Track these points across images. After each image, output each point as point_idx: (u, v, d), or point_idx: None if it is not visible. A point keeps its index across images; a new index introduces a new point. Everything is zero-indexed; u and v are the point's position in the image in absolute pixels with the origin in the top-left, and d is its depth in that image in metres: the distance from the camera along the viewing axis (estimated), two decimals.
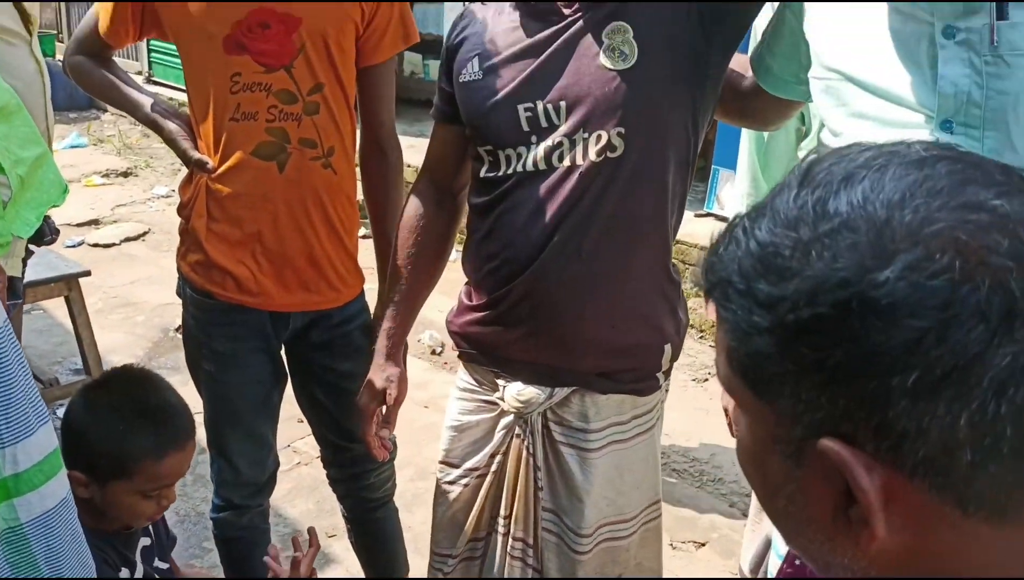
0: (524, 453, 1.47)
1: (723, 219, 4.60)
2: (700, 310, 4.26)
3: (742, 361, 0.56)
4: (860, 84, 1.13)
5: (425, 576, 1.69)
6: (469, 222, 1.50)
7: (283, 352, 1.95)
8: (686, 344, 4.43)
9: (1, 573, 1.09)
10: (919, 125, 1.07)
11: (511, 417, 1.48)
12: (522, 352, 1.43)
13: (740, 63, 1.47)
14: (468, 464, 1.54)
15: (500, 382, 1.48)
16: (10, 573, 1.09)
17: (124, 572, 1.56)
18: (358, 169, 1.88)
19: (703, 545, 2.75)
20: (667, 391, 1.55)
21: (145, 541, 1.65)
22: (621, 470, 1.48)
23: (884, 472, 0.51)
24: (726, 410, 0.67)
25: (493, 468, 1.52)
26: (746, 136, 2.45)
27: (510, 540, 1.51)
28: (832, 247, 0.51)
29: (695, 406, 3.66)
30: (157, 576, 1.70)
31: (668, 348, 1.47)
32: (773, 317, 0.53)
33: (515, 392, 1.45)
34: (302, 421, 3.20)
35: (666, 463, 3.20)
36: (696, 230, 4.49)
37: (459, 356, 1.58)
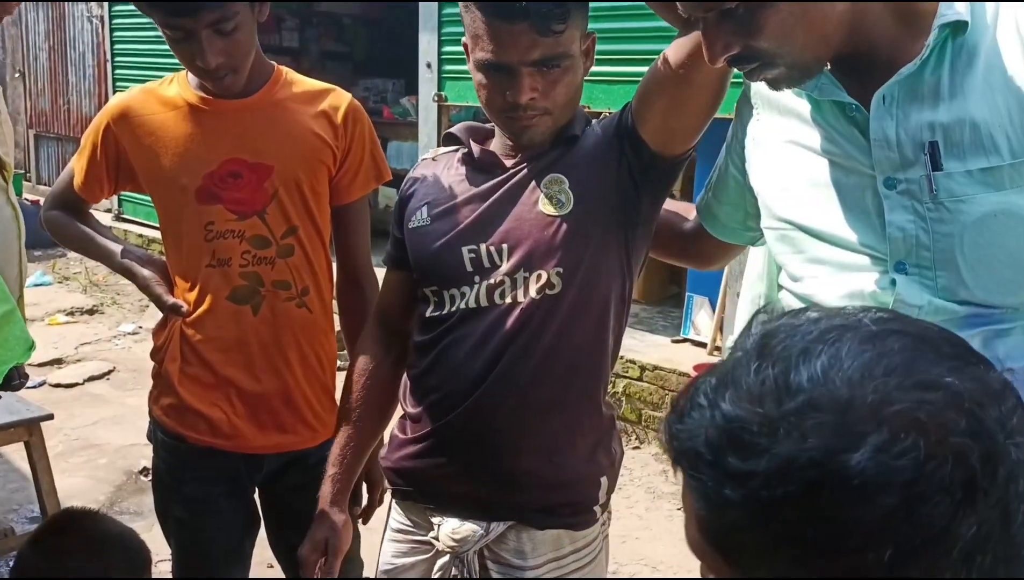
0: None
1: (700, 344, 4.65)
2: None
3: (715, 531, 0.59)
4: (812, 233, 1.17)
5: None
6: (410, 361, 1.51)
7: (256, 495, 1.87)
8: (670, 472, 4.36)
9: None
10: (873, 268, 1.10)
11: (447, 557, 1.44)
12: (459, 485, 1.42)
13: (682, 207, 1.56)
14: None
15: (435, 520, 1.45)
16: None
17: None
18: (335, 303, 1.85)
19: None
20: (606, 524, 1.52)
21: None
22: None
23: None
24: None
25: None
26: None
27: None
28: (799, 426, 0.54)
29: (680, 537, 3.53)
30: None
31: (604, 480, 1.47)
32: (745, 491, 0.55)
33: (450, 530, 1.42)
34: (272, 566, 3.08)
35: None
36: (674, 356, 4.51)
37: (392, 495, 1.55)
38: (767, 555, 0.55)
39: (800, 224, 1.18)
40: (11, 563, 2.78)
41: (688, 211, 1.54)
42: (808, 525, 0.53)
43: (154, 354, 1.81)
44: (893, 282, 1.08)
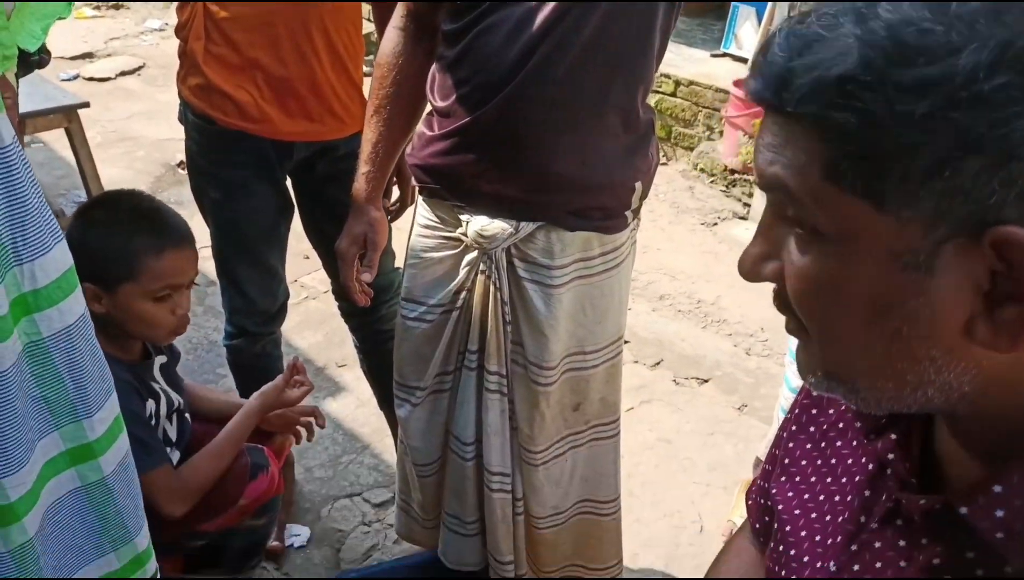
0: (491, 288, 1.45)
1: (740, 59, 4.47)
2: (711, 153, 4.18)
3: (861, 168, 0.50)
4: None
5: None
6: (439, 52, 1.41)
7: (289, 184, 1.92)
8: (696, 188, 4.40)
9: (28, 387, 1.10)
10: None
11: (475, 253, 1.44)
12: (488, 184, 1.38)
13: None
14: (432, 300, 1.52)
15: (463, 217, 1.43)
16: (36, 386, 1.11)
17: (150, 404, 1.60)
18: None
19: (706, 382, 2.80)
20: (636, 230, 1.52)
21: (161, 359, 1.68)
22: (585, 305, 1.47)
23: None
24: (757, 258, 0.59)
25: (459, 304, 1.50)
26: None
27: (485, 374, 1.50)
28: (1002, 11, 0.47)
29: (703, 249, 3.65)
30: (181, 401, 1.74)
31: (639, 186, 1.44)
32: (933, 100, 0.47)
33: (478, 227, 1.40)
34: (308, 257, 3.23)
35: (671, 304, 3.23)
36: (712, 71, 4.34)
37: (419, 192, 1.52)
38: (942, 173, 0.48)
39: None
40: None
41: None
42: (1018, 119, 0.46)
43: (179, 31, 1.77)
44: None
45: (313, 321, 2.99)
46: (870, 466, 0.71)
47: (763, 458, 2.09)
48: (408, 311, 1.56)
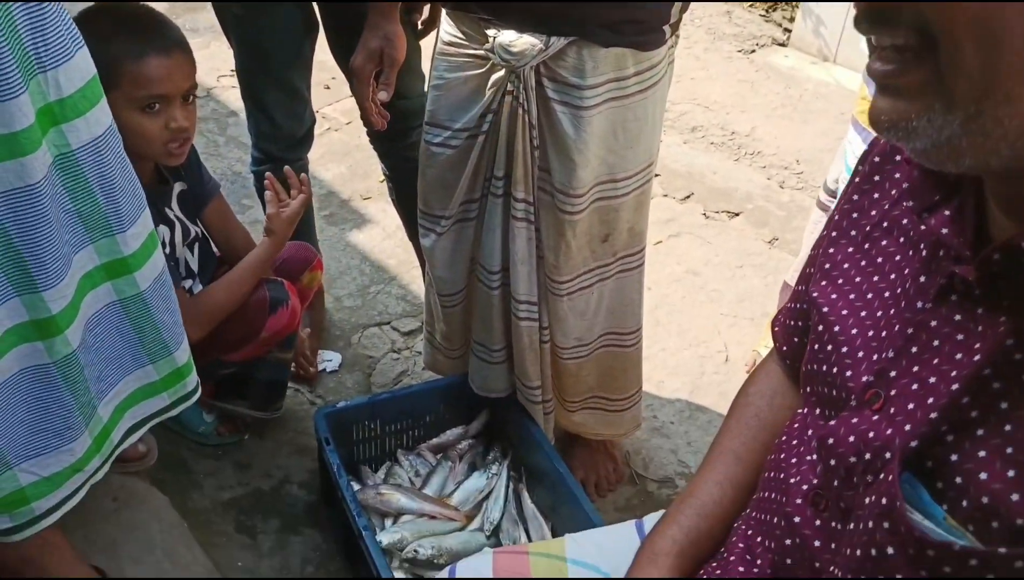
0: (519, 111, 1.38)
1: None
2: None
3: None
4: None
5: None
6: None
7: (315, 4, 1.83)
8: (734, 13, 4.17)
9: (61, 200, 1.09)
10: None
11: (502, 72, 1.37)
12: None
13: None
14: (457, 125, 1.46)
15: (490, 32, 1.35)
16: (68, 199, 1.10)
17: (163, 230, 1.59)
18: None
19: (736, 215, 2.75)
20: (675, 48, 1.43)
21: (180, 186, 1.66)
22: (616, 128, 1.39)
23: None
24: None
25: (484, 128, 1.43)
26: None
27: (512, 201, 1.46)
28: None
29: (739, 78, 3.50)
30: (200, 231, 1.73)
31: None
32: None
33: (506, 42, 1.32)
34: (328, 87, 3.14)
35: (704, 136, 3.13)
36: None
37: (443, 4, 1.43)
38: None
39: None
40: None
41: None
42: None
43: None
44: None
45: (337, 153, 2.95)
46: (923, 252, 0.71)
47: (791, 282, 2.08)
48: (432, 136, 1.51)
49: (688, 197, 2.83)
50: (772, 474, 0.83)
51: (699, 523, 0.90)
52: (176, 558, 1.46)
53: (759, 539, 0.83)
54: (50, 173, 1.07)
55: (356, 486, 1.69)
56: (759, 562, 0.82)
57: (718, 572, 0.86)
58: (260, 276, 1.69)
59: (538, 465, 1.71)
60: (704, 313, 2.38)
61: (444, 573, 1.03)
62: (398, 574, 1.54)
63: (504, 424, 1.81)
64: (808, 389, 0.82)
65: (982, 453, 0.59)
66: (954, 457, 0.60)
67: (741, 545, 0.85)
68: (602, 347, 1.66)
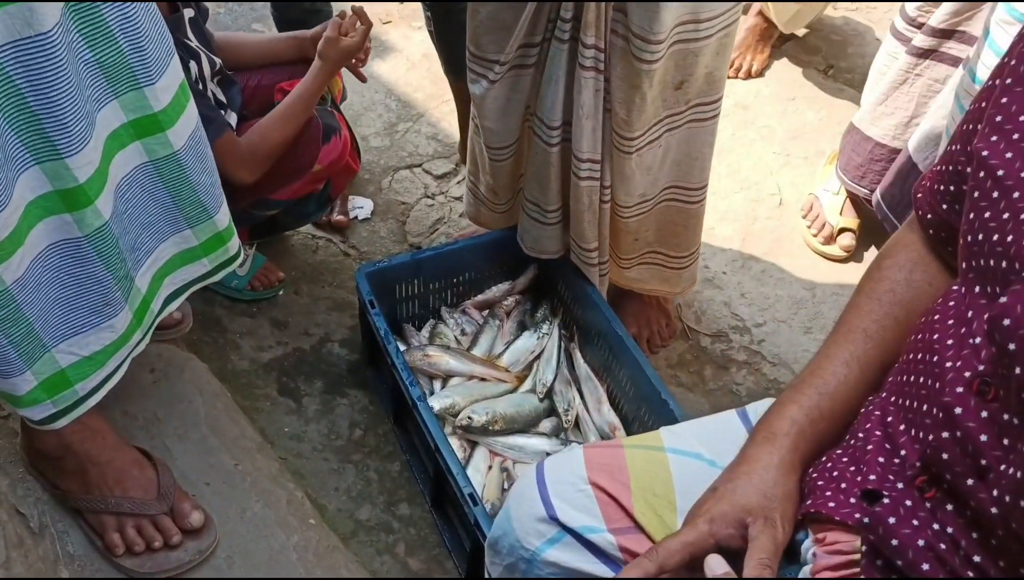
0: None
1: None
2: None
3: None
4: None
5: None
6: None
7: None
8: None
9: (78, 49, 0.96)
10: None
11: None
12: None
13: None
14: None
15: None
16: (86, 48, 0.97)
17: (192, 67, 1.46)
18: None
19: (788, 38, 2.53)
20: None
21: (189, 12, 1.52)
22: None
23: None
24: None
25: None
26: None
27: (580, 47, 1.29)
28: None
29: None
30: (219, 61, 1.58)
31: None
32: None
33: None
34: None
35: None
36: None
37: None
38: None
39: None
40: None
41: None
42: None
43: None
44: None
45: None
46: None
47: (863, 129, 1.90)
48: None
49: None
50: (920, 355, 0.75)
51: (820, 402, 0.83)
52: (222, 432, 1.40)
53: (902, 427, 0.75)
54: (64, 19, 0.92)
55: (402, 346, 1.62)
56: (903, 452, 0.74)
57: (851, 467, 0.78)
58: (312, 106, 1.58)
59: (592, 324, 1.63)
60: (755, 152, 2.23)
61: (531, 472, 0.97)
62: (452, 441, 1.50)
63: (553, 281, 1.72)
64: (970, 263, 0.72)
65: None
66: None
67: (878, 433, 0.77)
68: (664, 201, 1.54)
